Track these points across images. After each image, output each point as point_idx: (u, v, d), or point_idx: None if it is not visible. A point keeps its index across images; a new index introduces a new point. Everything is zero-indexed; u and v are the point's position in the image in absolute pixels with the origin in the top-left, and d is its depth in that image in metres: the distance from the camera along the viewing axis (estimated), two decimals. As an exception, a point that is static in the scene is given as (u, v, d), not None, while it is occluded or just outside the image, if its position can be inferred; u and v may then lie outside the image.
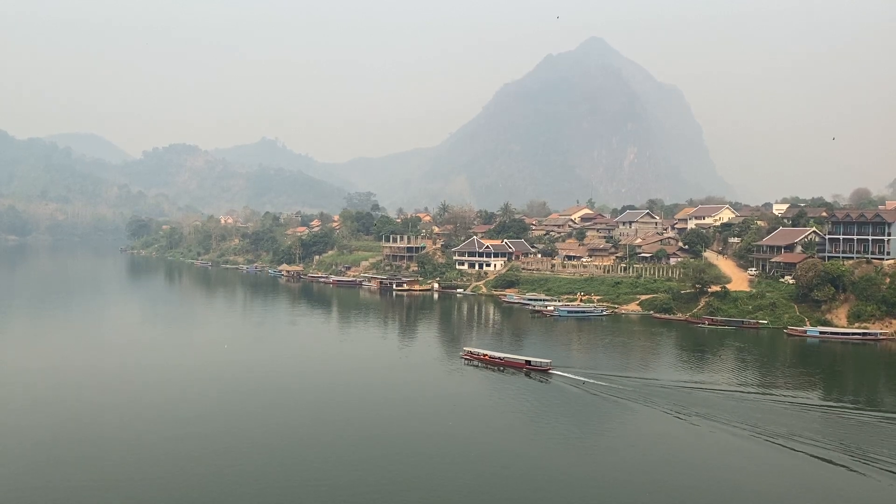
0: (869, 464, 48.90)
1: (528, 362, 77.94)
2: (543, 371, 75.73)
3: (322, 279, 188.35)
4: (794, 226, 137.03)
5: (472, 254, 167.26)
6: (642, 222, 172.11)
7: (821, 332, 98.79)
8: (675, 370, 79.43)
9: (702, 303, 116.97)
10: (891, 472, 47.48)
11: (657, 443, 54.30)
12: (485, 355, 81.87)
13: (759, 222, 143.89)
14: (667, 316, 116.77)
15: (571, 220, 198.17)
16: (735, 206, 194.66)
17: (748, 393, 68.56)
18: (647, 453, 51.96)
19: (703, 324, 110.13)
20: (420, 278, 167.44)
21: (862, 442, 53.66)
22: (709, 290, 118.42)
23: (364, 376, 76.93)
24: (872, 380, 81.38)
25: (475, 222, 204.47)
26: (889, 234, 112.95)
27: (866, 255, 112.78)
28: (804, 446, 52.30)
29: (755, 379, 75.60)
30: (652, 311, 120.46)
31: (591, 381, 70.93)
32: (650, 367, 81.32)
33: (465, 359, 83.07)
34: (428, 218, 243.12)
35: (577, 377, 72.47)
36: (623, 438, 55.83)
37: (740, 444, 53.25)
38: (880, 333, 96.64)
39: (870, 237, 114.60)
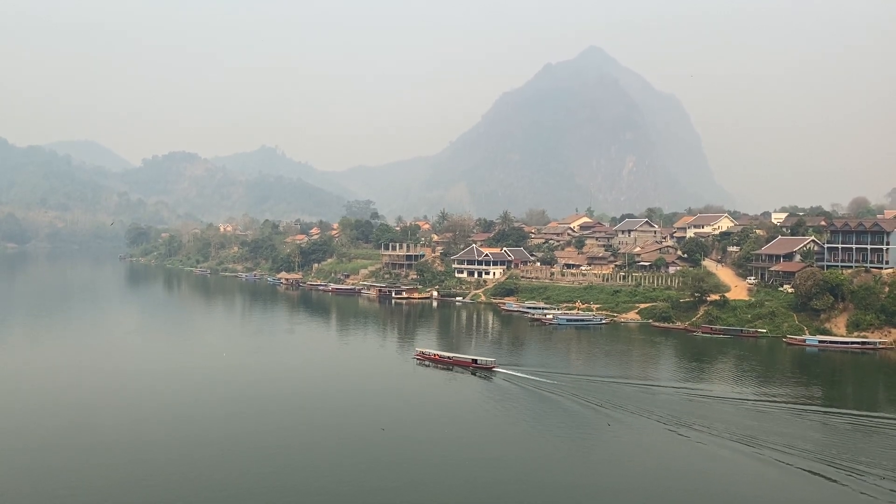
0: (863, 475, 48.64)
1: (475, 361, 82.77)
2: (488, 369, 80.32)
3: (321, 287, 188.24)
4: (792, 235, 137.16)
5: (471, 262, 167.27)
6: (641, 231, 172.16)
7: (820, 342, 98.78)
8: (655, 375, 79.53)
9: (701, 311, 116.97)
10: (886, 487, 47.35)
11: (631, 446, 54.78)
12: (435, 355, 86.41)
13: (757, 231, 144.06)
14: (666, 325, 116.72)
15: (570, 228, 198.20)
16: (734, 215, 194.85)
17: (746, 400, 68.66)
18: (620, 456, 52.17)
19: (698, 332, 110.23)
20: (419, 286, 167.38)
21: (858, 452, 53.60)
22: (708, 298, 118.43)
23: (360, 383, 77.34)
24: (871, 389, 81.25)
25: (474, 230, 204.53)
26: (888, 243, 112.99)
27: (865, 264, 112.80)
28: (798, 458, 52.32)
29: (753, 386, 75.51)
30: (651, 320, 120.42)
31: (546, 380, 74.68)
32: (625, 370, 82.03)
33: (417, 359, 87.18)
34: (427, 226, 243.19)
35: (519, 374, 77.31)
36: (610, 444, 55.91)
37: (729, 453, 53.26)
38: (879, 343, 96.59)
39: (868, 246, 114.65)
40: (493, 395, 71.98)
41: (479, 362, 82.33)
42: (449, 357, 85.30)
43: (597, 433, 58.83)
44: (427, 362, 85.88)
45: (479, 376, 78.99)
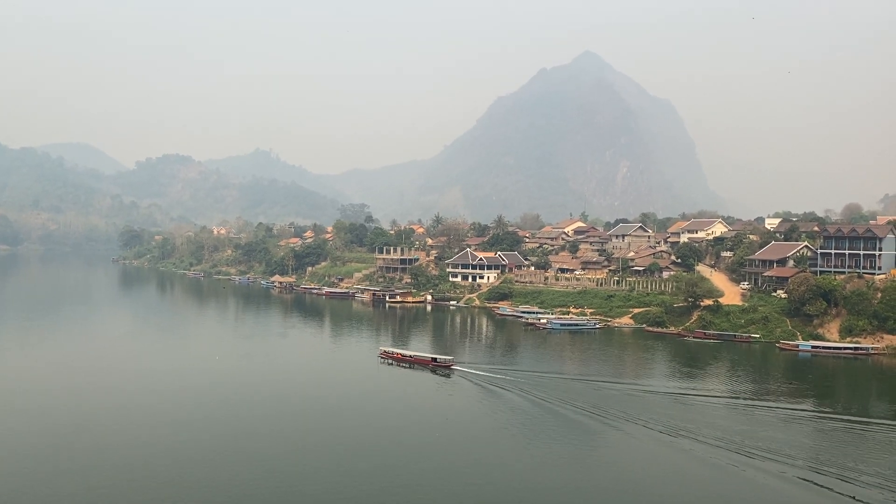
0: (852, 481, 48.45)
1: (434, 359, 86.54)
2: (447, 367, 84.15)
3: (315, 291, 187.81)
4: (786, 240, 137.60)
5: (465, 266, 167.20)
6: (635, 236, 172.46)
7: (813, 347, 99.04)
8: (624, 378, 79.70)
9: (694, 316, 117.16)
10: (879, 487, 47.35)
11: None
12: (398, 354, 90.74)
13: (751, 236, 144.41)
14: (659, 329, 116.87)
15: (565, 232, 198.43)
16: (727, 221, 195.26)
17: (740, 400, 68.91)
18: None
19: (689, 337, 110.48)
20: (413, 290, 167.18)
21: (848, 457, 53.65)
22: (701, 303, 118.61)
23: (351, 387, 77.30)
24: (864, 394, 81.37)
25: (469, 234, 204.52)
26: (880, 249, 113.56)
27: (858, 270, 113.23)
28: (788, 463, 52.36)
29: (747, 389, 75.71)
30: (644, 325, 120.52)
31: (500, 376, 79.28)
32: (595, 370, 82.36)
33: (381, 357, 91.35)
34: (421, 230, 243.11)
35: (475, 371, 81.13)
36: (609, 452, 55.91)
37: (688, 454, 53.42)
38: (871, 348, 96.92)
39: (861, 252, 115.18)
40: (447, 391, 75.96)
41: (438, 360, 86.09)
42: (410, 356, 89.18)
43: (540, 426, 61.19)
44: (390, 361, 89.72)
45: (439, 374, 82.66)
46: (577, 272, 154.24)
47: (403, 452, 54.26)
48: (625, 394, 72.60)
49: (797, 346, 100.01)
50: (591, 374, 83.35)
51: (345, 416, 64.28)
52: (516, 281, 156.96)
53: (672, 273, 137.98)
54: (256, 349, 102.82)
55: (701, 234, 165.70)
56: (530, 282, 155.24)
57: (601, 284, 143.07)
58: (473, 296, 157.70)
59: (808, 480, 48.58)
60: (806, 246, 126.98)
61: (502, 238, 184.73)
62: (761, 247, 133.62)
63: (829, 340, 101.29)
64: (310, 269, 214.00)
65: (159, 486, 46.16)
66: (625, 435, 58.62)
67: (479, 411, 66.86)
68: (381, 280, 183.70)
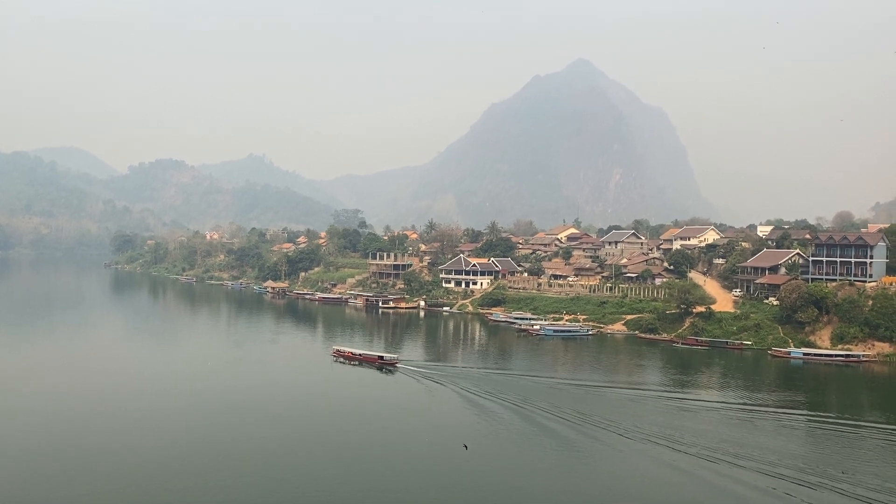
0: (843, 490, 48.62)
1: (381, 357, 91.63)
2: (392, 364, 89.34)
3: (308, 296, 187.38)
4: (778, 248, 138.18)
5: (458, 272, 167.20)
6: (628, 242, 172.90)
7: (804, 354, 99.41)
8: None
9: (687, 323, 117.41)
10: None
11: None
12: (349, 352, 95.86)
13: (743, 244, 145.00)
14: (652, 336, 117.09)
15: (558, 239, 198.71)
16: (720, 228, 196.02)
17: (730, 407, 68.99)
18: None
19: (681, 344, 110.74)
20: (406, 296, 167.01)
21: (839, 465, 53.76)
22: (693, 310, 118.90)
23: (342, 392, 77.65)
24: (855, 400, 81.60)
25: (462, 240, 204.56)
26: (871, 257, 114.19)
27: (849, 278, 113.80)
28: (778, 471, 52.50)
29: (738, 396, 75.85)
30: (637, 331, 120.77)
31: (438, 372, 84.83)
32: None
33: (334, 356, 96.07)
34: (415, 236, 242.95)
35: (417, 369, 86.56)
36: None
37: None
38: (863, 355, 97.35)
39: (852, 260, 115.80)
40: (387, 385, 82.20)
41: (384, 359, 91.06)
42: (360, 354, 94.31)
43: (462, 414, 66.73)
44: (342, 359, 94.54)
45: (384, 371, 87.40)
46: (570, 279, 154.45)
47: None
48: (610, 398, 72.80)
49: (789, 353, 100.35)
50: (555, 373, 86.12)
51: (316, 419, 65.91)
52: (509, 287, 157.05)
53: (664, 280, 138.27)
54: (247, 355, 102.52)
55: (693, 242, 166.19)
56: (523, 288, 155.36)
57: (594, 291, 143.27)
58: (467, 301, 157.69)
59: (795, 488, 48.63)
60: (798, 253, 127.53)
61: (496, 244, 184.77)
62: (753, 254, 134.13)
63: (820, 348, 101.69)
64: (303, 274, 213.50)
65: (141, 492, 46.03)
66: (604, 442, 58.33)
67: (416, 405, 71.57)
68: (374, 286, 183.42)
